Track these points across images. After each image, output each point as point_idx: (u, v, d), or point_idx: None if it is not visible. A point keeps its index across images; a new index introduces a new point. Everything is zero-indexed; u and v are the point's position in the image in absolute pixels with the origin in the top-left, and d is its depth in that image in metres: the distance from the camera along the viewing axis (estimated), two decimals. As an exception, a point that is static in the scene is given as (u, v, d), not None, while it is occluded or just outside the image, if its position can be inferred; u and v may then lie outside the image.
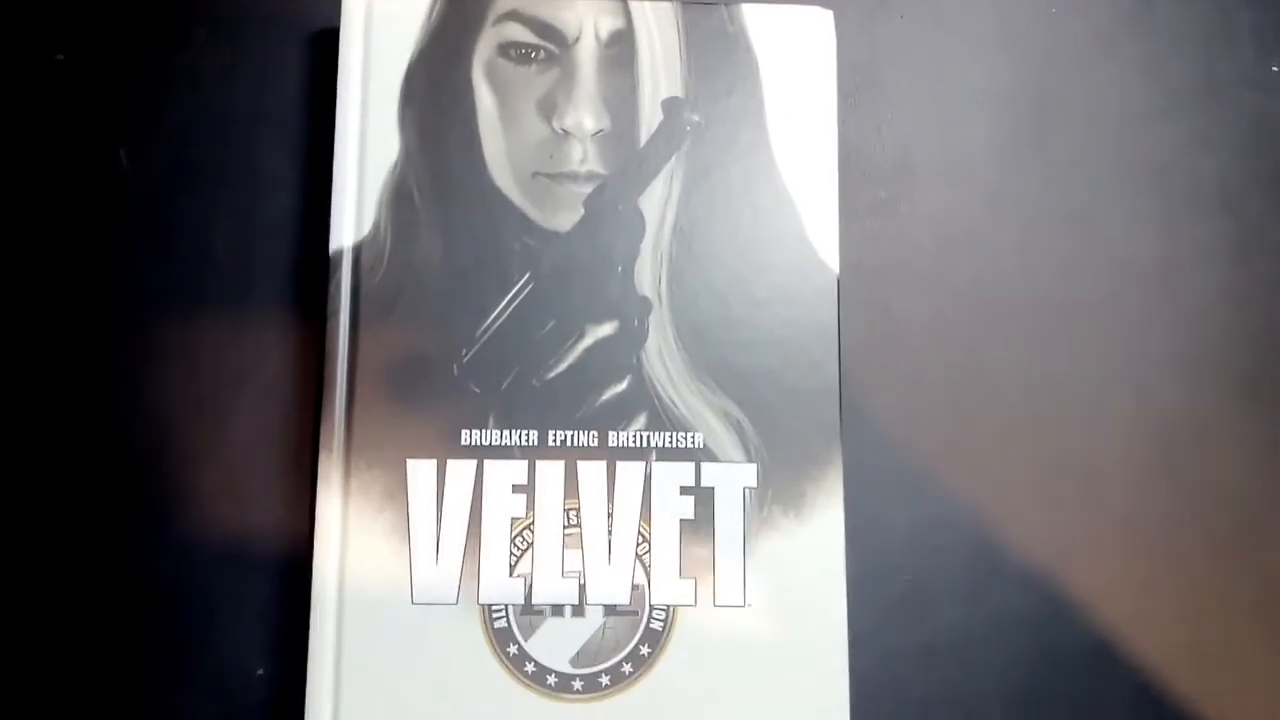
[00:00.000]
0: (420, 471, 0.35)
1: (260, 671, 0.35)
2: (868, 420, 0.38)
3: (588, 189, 0.36)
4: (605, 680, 0.34)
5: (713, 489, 0.35)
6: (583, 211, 0.36)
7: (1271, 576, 0.38)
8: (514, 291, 0.36)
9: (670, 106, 0.37)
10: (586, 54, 0.37)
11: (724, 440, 0.35)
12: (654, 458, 0.35)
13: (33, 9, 0.39)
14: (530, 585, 0.34)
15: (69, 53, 0.39)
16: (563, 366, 0.35)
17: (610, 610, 0.34)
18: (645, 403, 0.35)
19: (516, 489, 0.35)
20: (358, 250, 0.36)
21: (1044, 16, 0.41)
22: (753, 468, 0.35)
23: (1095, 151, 0.40)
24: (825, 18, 0.38)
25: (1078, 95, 0.40)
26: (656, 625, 0.34)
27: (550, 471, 0.35)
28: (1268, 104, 0.40)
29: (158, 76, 0.39)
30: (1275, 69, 0.41)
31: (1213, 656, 0.37)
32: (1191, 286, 0.39)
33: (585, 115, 0.37)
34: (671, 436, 0.35)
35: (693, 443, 0.35)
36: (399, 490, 0.35)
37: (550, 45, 0.37)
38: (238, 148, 0.38)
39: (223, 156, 0.38)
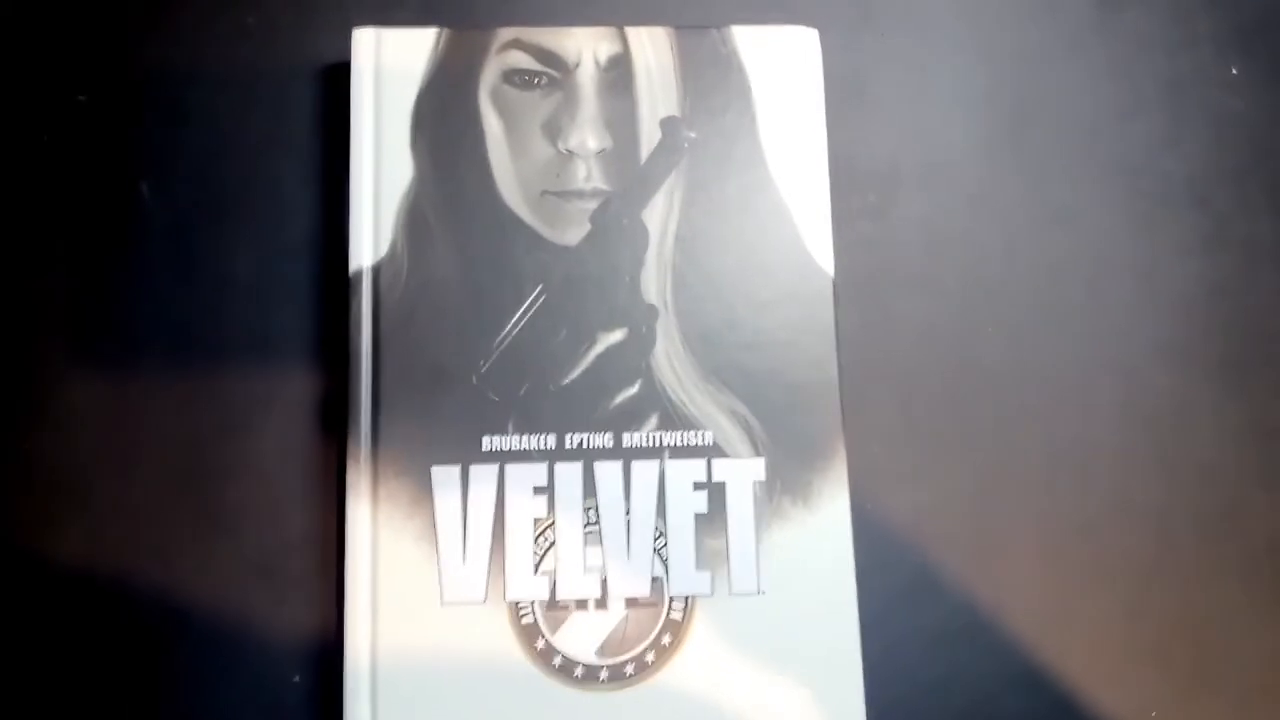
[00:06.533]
0: (445, 477, 0.36)
1: (296, 678, 0.37)
2: (868, 413, 0.39)
3: (593, 205, 0.38)
4: (630, 670, 0.36)
5: (724, 484, 0.37)
6: (589, 226, 0.38)
7: (1256, 552, 0.40)
8: (527, 304, 0.38)
9: (668, 125, 0.39)
10: (587, 78, 0.39)
11: (732, 437, 0.37)
12: (667, 456, 0.37)
13: (55, 53, 0.41)
14: (554, 582, 0.36)
15: (90, 94, 0.41)
16: (577, 373, 0.37)
17: (631, 603, 0.36)
18: (656, 404, 0.37)
19: (537, 490, 0.36)
20: (377, 270, 0.37)
21: (1017, 26, 0.43)
22: (761, 462, 0.37)
23: (1070, 152, 0.42)
24: (811, 36, 0.40)
25: (1051, 100, 0.42)
26: (676, 615, 0.36)
27: (569, 473, 0.37)
28: (1230, 103, 0.43)
29: (176, 113, 0.41)
30: (1234, 71, 0.43)
31: (1204, 630, 0.39)
32: (1168, 278, 0.41)
33: (588, 136, 0.39)
34: (683, 435, 0.37)
35: (703, 440, 0.37)
36: (425, 496, 0.36)
37: (552, 71, 0.39)
38: (256, 178, 0.40)
39: (242, 187, 0.40)
